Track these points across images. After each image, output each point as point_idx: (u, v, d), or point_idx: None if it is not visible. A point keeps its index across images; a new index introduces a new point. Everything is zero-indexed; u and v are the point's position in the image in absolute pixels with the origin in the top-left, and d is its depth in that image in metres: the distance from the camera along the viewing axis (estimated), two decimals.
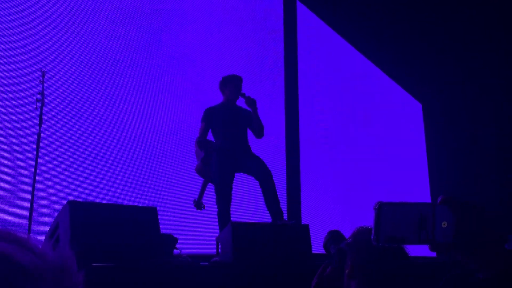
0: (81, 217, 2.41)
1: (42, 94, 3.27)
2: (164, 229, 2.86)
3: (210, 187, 3.98)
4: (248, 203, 4.47)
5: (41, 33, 3.57)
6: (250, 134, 4.06)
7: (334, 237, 1.68)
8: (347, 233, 1.59)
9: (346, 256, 1.39)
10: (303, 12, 6.22)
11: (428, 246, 0.68)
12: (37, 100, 3.26)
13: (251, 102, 3.92)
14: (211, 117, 3.93)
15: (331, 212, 5.92)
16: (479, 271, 0.66)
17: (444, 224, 0.66)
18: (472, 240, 0.66)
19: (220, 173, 3.79)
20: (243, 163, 3.87)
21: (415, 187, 8.35)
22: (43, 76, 3.30)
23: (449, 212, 0.67)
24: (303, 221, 5.14)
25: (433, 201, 0.68)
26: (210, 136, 4.00)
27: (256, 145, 4.10)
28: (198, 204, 3.95)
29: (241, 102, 4.10)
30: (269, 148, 4.82)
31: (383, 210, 0.68)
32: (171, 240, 3.09)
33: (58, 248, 0.48)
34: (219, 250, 3.11)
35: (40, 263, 0.46)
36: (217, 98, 4.13)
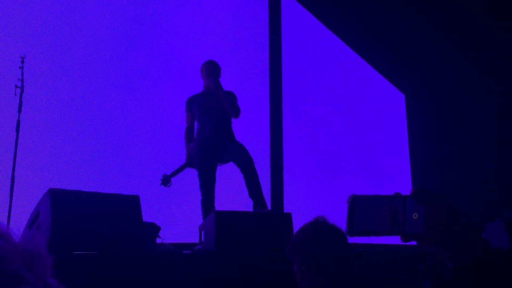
0: (62, 205, 2.38)
1: (21, 80, 3.21)
2: (146, 217, 2.84)
3: (192, 173, 3.95)
4: (233, 191, 4.48)
5: (20, 17, 3.49)
6: (234, 121, 4.04)
7: None
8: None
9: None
10: (287, 1, 6.20)
11: (400, 237, 0.70)
12: (16, 86, 3.19)
13: (215, 85, 3.88)
14: (191, 106, 3.97)
15: (314, 201, 5.97)
16: (447, 261, 0.69)
17: (415, 216, 0.68)
18: (440, 231, 0.68)
19: (203, 161, 3.79)
20: (225, 152, 3.86)
21: (397, 176, 8.46)
22: (22, 61, 3.23)
23: (420, 204, 0.69)
24: (286, 210, 5.18)
25: (404, 194, 0.70)
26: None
27: (239, 134, 4.09)
28: (166, 180, 3.79)
29: (220, 81, 4.07)
30: (252, 137, 4.82)
31: (356, 202, 0.70)
32: (154, 229, 3.08)
33: (28, 234, 0.50)
34: (202, 239, 3.11)
35: (7, 246, 0.47)
36: (200, 85, 4.09)
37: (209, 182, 3.75)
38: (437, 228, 0.68)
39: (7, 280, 0.44)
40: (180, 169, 3.89)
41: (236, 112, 3.96)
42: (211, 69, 3.98)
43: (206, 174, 3.77)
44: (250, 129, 4.43)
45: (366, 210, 0.69)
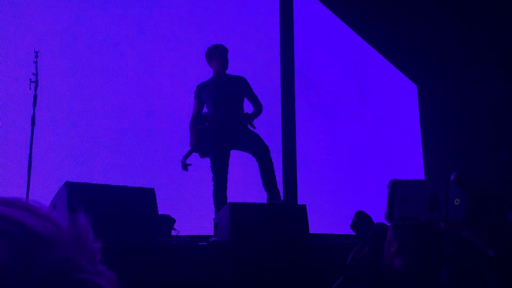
0: (78, 198, 2.40)
1: (35, 74, 3.23)
2: (162, 210, 2.86)
3: (206, 165, 3.94)
4: (245, 182, 4.48)
5: (34, 13, 3.51)
6: (246, 108, 3.98)
7: (362, 218, 1.77)
8: (340, 212, 1.66)
9: (387, 235, 1.53)
10: None
11: (441, 224, 0.68)
12: (30, 80, 3.21)
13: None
14: (201, 92, 3.90)
15: (327, 192, 5.95)
16: (488, 249, 0.67)
17: (457, 202, 0.66)
18: (482, 218, 0.66)
19: (216, 150, 3.74)
20: (239, 139, 3.79)
21: (410, 167, 8.40)
22: (36, 56, 3.25)
23: (462, 189, 0.66)
24: (299, 201, 5.17)
25: (445, 179, 0.68)
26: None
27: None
28: (183, 165, 3.79)
29: (232, 71, 4.02)
30: (265, 128, 4.81)
31: (397, 188, 0.68)
32: (169, 221, 3.10)
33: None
34: (217, 230, 3.12)
35: (55, 230, 0.43)
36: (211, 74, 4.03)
37: (222, 174, 3.69)
38: (479, 214, 0.66)
39: (60, 267, 0.41)
40: (189, 153, 3.85)
41: (259, 113, 3.94)
42: (224, 57, 3.88)
43: (219, 162, 3.70)
44: (262, 120, 4.40)
45: (407, 196, 0.67)
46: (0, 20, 3.31)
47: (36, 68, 3.23)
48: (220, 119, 3.81)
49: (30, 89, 3.21)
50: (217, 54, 3.88)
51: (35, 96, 3.20)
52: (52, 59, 3.53)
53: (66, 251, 0.42)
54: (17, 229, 0.42)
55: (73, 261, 0.42)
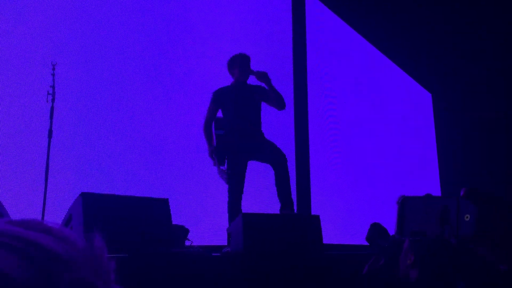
0: (93, 209, 2.43)
1: (53, 87, 3.29)
2: (175, 220, 2.88)
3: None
4: (259, 194, 4.48)
5: (52, 25, 3.58)
6: (263, 118, 3.97)
7: (378, 230, 1.77)
8: (353, 223, 1.65)
9: (403, 247, 1.55)
10: (311, 2, 6.18)
11: (452, 239, 0.68)
12: (48, 93, 3.27)
13: (262, 75, 3.79)
14: (220, 98, 3.86)
15: (341, 202, 5.92)
16: (500, 263, 0.66)
17: (467, 217, 0.66)
18: (493, 233, 0.66)
19: (233, 162, 3.72)
20: (257, 150, 3.77)
21: (424, 177, 8.32)
22: (53, 69, 3.31)
23: (472, 205, 0.66)
24: (313, 212, 5.15)
25: (449, 194, 0.68)
26: (220, 116, 3.94)
27: (265, 134, 4.07)
28: (221, 172, 3.71)
29: (252, 81, 4.02)
30: (278, 138, 4.81)
31: (407, 204, 0.68)
32: (183, 231, 3.12)
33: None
34: (230, 241, 3.12)
35: (72, 251, 0.44)
36: (225, 83, 4.06)
37: (238, 185, 3.67)
38: (489, 229, 0.66)
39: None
40: (217, 159, 3.74)
41: (282, 104, 3.87)
42: (246, 67, 3.88)
43: (236, 175, 3.68)
44: (275, 128, 4.41)
45: (417, 211, 0.68)
46: (18, 33, 3.39)
47: (53, 81, 3.29)
48: (239, 127, 3.78)
49: (47, 101, 3.27)
50: (240, 63, 3.89)
51: (52, 108, 3.25)
52: (69, 72, 3.60)
53: (82, 271, 0.43)
54: (35, 250, 0.42)
55: (89, 282, 0.43)
